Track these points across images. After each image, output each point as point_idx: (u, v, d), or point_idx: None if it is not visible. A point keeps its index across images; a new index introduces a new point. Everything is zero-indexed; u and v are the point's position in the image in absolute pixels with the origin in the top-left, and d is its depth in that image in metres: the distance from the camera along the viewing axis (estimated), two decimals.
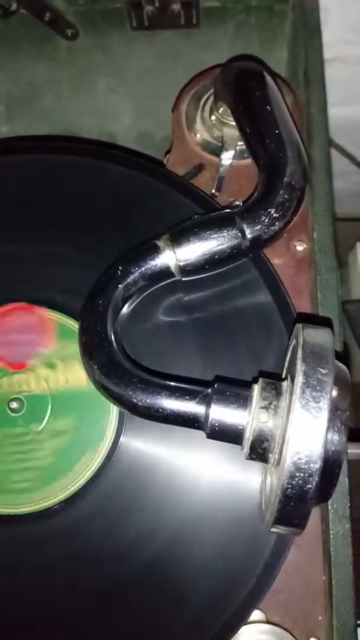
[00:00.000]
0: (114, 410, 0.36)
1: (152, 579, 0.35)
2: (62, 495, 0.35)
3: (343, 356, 0.38)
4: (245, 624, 0.35)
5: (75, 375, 0.37)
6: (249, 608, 0.35)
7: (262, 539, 0.35)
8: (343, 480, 0.36)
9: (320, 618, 0.36)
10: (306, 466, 0.24)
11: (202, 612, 0.35)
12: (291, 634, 0.35)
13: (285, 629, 0.35)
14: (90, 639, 0.35)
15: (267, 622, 0.35)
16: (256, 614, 0.36)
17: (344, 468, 0.36)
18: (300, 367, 0.26)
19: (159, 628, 0.35)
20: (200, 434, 0.30)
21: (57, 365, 0.37)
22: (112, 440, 0.36)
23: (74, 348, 0.35)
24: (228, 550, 0.35)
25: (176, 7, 0.49)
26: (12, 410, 0.36)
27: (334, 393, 0.26)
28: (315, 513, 0.37)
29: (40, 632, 0.36)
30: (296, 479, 0.25)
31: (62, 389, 0.36)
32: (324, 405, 0.25)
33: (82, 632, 0.35)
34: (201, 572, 0.35)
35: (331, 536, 0.35)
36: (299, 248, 0.42)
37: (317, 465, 0.24)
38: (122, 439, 0.36)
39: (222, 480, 0.35)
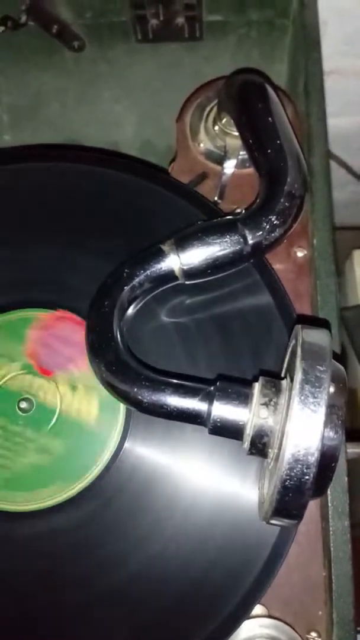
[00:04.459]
0: (102, 459, 0.36)
1: (154, 575, 0.36)
2: (12, 508, 0.36)
3: (341, 358, 0.39)
4: (248, 618, 0.36)
5: (88, 407, 0.37)
6: (251, 603, 0.35)
7: (264, 536, 0.36)
8: (343, 478, 0.37)
9: (320, 612, 0.37)
10: (304, 458, 0.26)
11: (205, 607, 0.35)
12: (292, 628, 0.36)
13: (286, 623, 0.36)
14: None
15: (269, 616, 0.36)
16: (258, 609, 0.36)
17: (343, 467, 0.37)
18: (299, 364, 0.27)
19: (162, 623, 0.36)
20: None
21: (78, 390, 0.37)
22: (86, 484, 0.36)
23: None
24: (230, 547, 0.36)
25: (180, 20, 0.50)
26: (21, 408, 0.37)
27: (332, 390, 0.27)
28: (315, 510, 0.38)
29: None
30: (295, 471, 0.26)
31: (70, 413, 0.37)
32: (322, 400, 0.26)
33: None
34: (204, 568, 0.36)
35: (331, 532, 0.36)
36: (300, 254, 0.43)
37: (314, 457, 0.26)
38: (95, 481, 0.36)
39: (224, 483, 0.36)
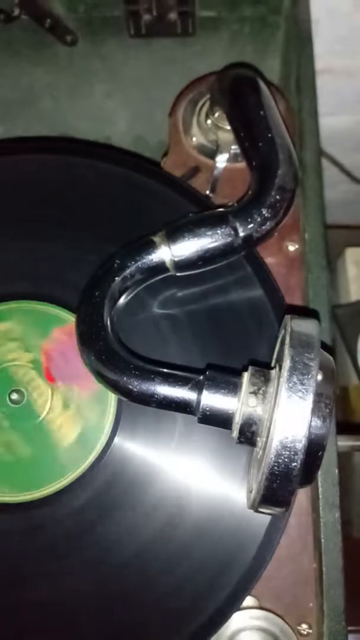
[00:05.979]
0: (52, 487, 0.36)
1: (143, 565, 0.36)
2: None
3: (333, 353, 0.39)
4: (238, 609, 0.36)
5: (69, 430, 0.36)
6: (242, 594, 0.35)
7: (254, 527, 0.36)
8: (333, 470, 0.37)
9: (311, 604, 0.37)
10: (292, 444, 0.26)
11: (195, 598, 0.35)
12: (283, 619, 0.36)
13: (277, 615, 0.36)
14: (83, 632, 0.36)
15: (260, 608, 0.36)
16: (249, 600, 0.36)
17: (334, 459, 0.37)
18: (287, 352, 0.27)
19: (151, 615, 0.36)
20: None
21: (69, 410, 0.37)
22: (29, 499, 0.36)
23: (98, 413, 0.36)
24: (221, 539, 0.36)
25: (173, 16, 0.50)
26: (11, 399, 0.36)
27: (319, 378, 0.27)
28: (305, 502, 0.38)
29: None
30: (282, 457, 0.26)
31: (50, 427, 0.36)
32: (310, 387, 0.26)
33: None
34: (194, 559, 0.36)
35: (321, 524, 0.36)
36: (291, 248, 0.43)
37: (302, 444, 0.26)
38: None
39: (213, 474, 0.36)
